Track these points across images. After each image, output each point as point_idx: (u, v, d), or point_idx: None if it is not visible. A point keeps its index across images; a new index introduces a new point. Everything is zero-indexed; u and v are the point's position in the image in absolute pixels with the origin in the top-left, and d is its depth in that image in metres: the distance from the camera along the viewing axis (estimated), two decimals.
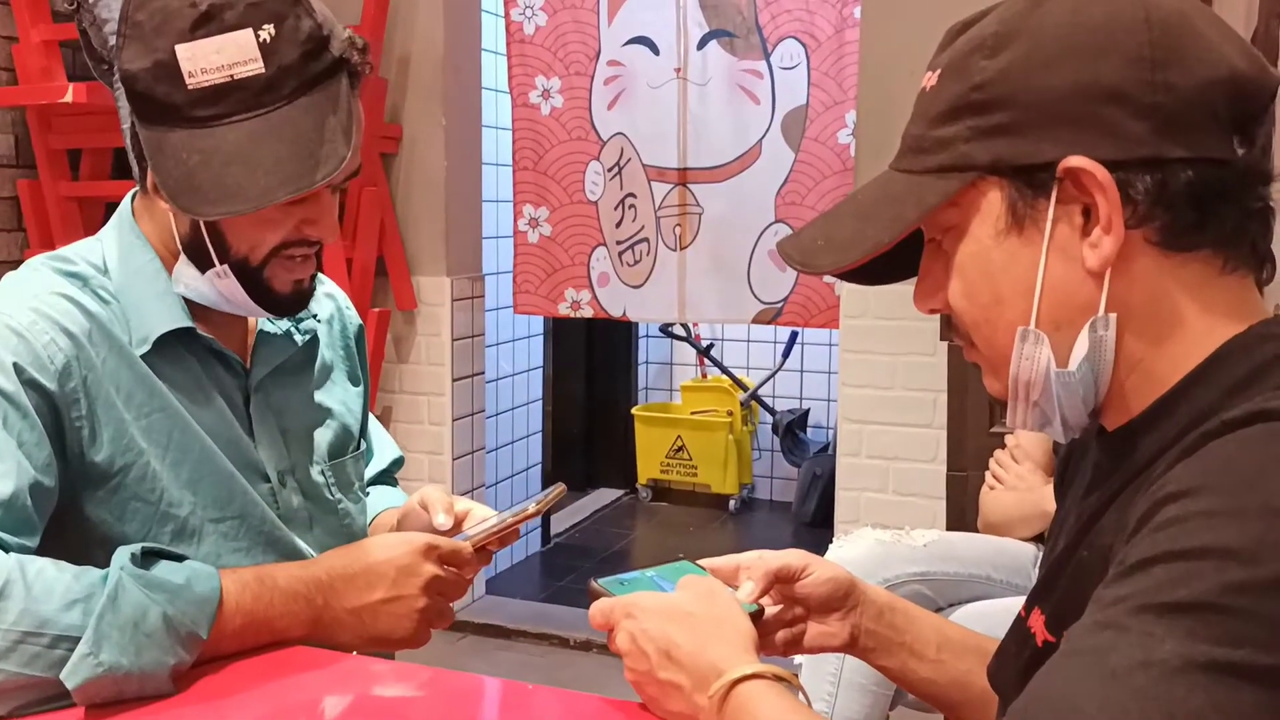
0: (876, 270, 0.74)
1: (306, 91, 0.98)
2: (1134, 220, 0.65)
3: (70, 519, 0.98)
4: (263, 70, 0.96)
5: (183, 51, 0.95)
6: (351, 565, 1.00)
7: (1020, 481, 1.80)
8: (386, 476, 1.37)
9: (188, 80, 0.95)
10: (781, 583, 0.92)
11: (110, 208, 2.89)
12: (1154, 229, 0.65)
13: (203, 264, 1.03)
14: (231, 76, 0.95)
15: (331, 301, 1.25)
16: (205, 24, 0.95)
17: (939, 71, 0.71)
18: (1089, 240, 0.66)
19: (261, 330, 1.13)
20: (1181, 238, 0.65)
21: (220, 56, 0.95)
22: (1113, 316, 0.67)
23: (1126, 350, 0.68)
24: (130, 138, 1.04)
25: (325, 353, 1.22)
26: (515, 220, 3.27)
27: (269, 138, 0.96)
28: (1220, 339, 0.66)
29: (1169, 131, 0.64)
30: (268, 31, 0.96)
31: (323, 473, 1.16)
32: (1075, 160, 0.64)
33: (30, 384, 0.92)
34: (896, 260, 0.74)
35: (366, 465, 1.31)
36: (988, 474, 1.87)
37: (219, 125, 0.96)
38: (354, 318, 1.29)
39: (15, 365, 0.92)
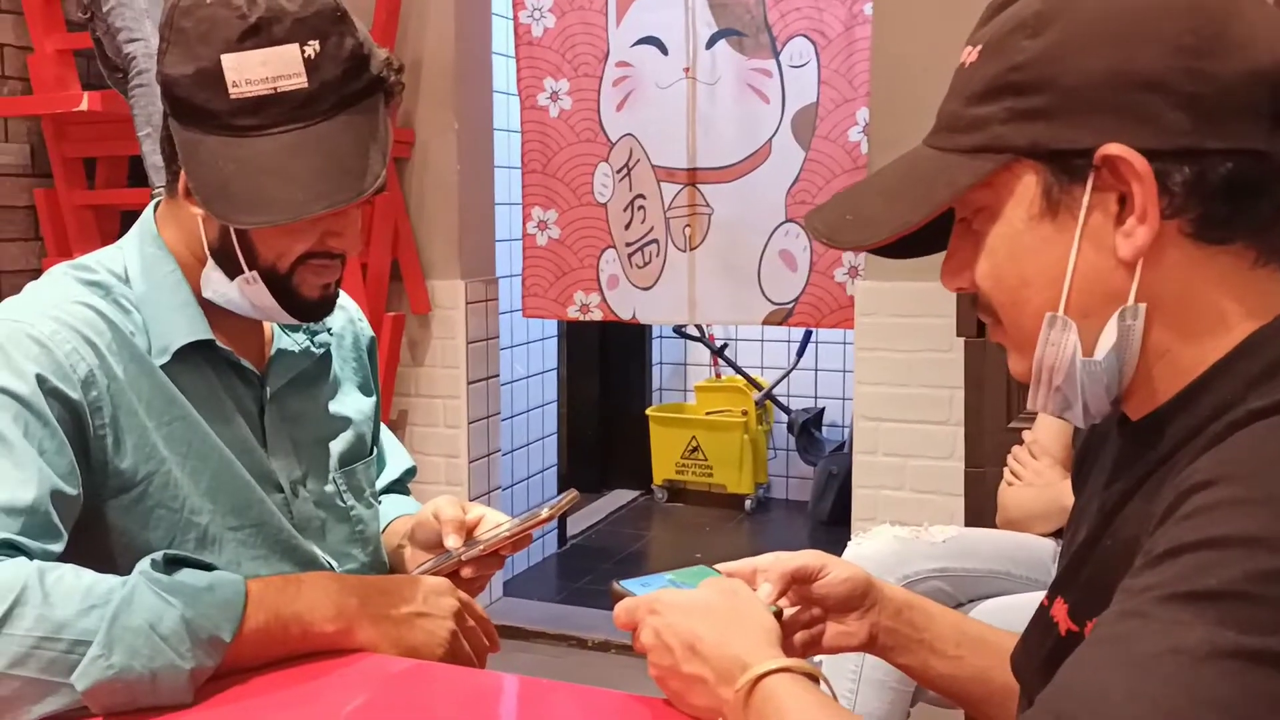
0: (902, 245, 0.74)
1: (345, 109, 0.99)
2: (1169, 211, 0.64)
3: (95, 528, 0.98)
4: (305, 85, 0.97)
5: (228, 61, 0.96)
6: (382, 580, 1.02)
7: (1039, 477, 1.79)
8: (400, 486, 1.38)
9: (231, 90, 0.96)
10: (799, 584, 0.91)
11: (126, 216, 2.92)
12: (1188, 220, 0.64)
13: (231, 270, 1.04)
14: (275, 89, 0.96)
15: (344, 313, 1.26)
16: (253, 36, 0.96)
17: (979, 47, 0.69)
18: (1123, 229, 0.65)
19: (278, 344, 1.14)
20: (1215, 230, 0.64)
21: (266, 69, 0.96)
22: (1142, 306, 0.66)
23: (1153, 340, 0.67)
24: (161, 140, 1.05)
25: (338, 365, 1.22)
26: (524, 223, 3.27)
27: (306, 151, 0.97)
28: (1247, 332, 0.66)
29: (1208, 122, 0.63)
30: (313, 48, 0.97)
31: (334, 480, 1.17)
32: (1114, 148, 0.63)
33: (53, 393, 0.93)
34: (924, 235, 0.73)
35: (378, 475, 1.32)
36: (1006, 470, 1.86)
37: (257, 136, 0.97)
38: (366, 330, 1.30)
39: (38, 375, 0.93)
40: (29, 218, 2.89)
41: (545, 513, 1.05)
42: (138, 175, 2.79)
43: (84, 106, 2.62)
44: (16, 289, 1.05)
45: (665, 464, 4.56)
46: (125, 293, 1.04)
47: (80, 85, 2.78)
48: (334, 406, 1.20)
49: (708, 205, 3.12)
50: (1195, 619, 0.52)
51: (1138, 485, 0.69)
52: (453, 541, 1.09)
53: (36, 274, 1.08)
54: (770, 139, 3.04)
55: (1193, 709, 0.51)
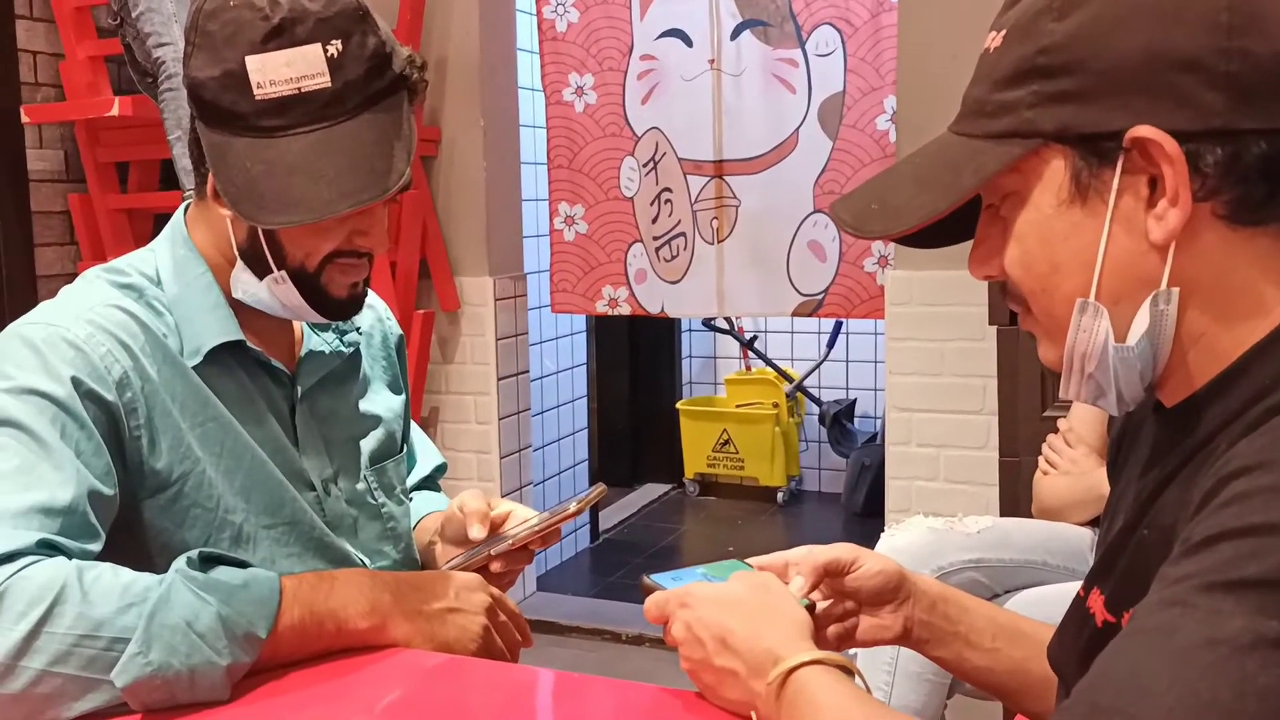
0: (930, 234, 0.73)
1: (369, 107, 1.00)
2: (1202, 193, 0.63)
3: (132, 527, 0.99)
4: (329, 85, 0.98)
5: (253, 63, 0.97)
6: (415, 576, 1.03)
7: (1074, 466, 1.77)
8: (430, 483, 1.39)
9: (256, 91, 0.97)
10: (831, 577, 0.91)
11: (159, 218, 2.95)
12: (1222, 202, 0.63)
13: (260, 270, 1.05)
14: (299, 89, 0.97)
15: (372, 312, 1.27)
16: (276, 37, 0.97)
17: (1004, 32, 0.68)
18: (1154, 212, 0.64)
19: (308, 344, 1.15)
20: (1251, 212, 0.63)
21: (290, 69, 0.97)
22: (1175, 291, 0.65)
23: (1188, 325, 0.66)
24: (190, 143, 1.06)
25: (367, 363, 1.23)
26: (551, 219, 3.28)
27: (331, 150, 0.98)
28: None
29: (1244, 102, 0.61)
30: (335, 47, 0.98)
31: (365, 478, 1.18)
32: (1143, 130, 0.62)
33: (88, 395, 0.94)
34: (951, 223, 0.72)
35: (409, 472, 1.33)
36: (1041, 459, 1.85)
37: (283, 136, 0.98)
38: (394, 328, 1.31)
39: (74, 378, 0.94)
40: (64, 222, 2.93)
41: (573, 507, 1.06)
42: (169, 179, 2.82)
43: (115, 111, 2.65)
44: (54, 293, 1.07)
45: (696, 457, 4.56)
46: (157, 295, 1.05)
47: (112, 90, 2.82)
48: (364, 405, 1.21)
49: (735, 197, 3.11)
50: (1235, 608, 0.52)
51: (1175, 472, 0.68)
52: (476, 531, 1.10)
53: (72, 278, 1.10)
54: (797, 129, 3.02)
55: (1234, 699, 0.50)
